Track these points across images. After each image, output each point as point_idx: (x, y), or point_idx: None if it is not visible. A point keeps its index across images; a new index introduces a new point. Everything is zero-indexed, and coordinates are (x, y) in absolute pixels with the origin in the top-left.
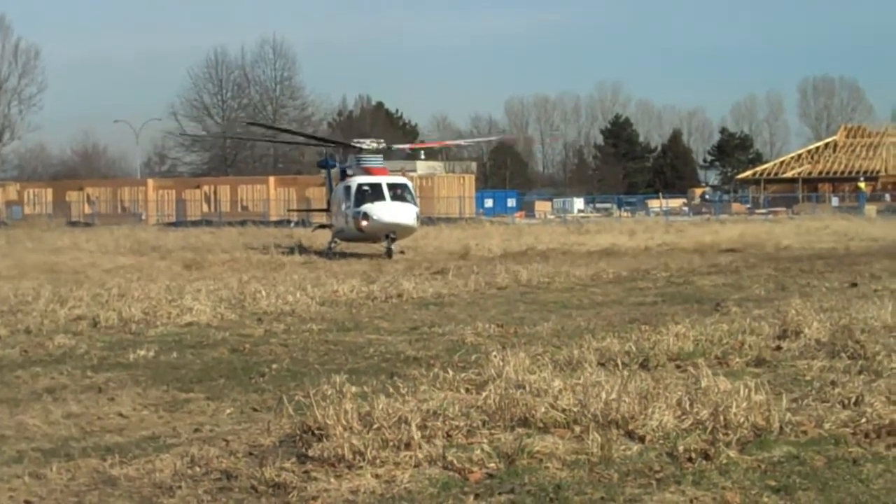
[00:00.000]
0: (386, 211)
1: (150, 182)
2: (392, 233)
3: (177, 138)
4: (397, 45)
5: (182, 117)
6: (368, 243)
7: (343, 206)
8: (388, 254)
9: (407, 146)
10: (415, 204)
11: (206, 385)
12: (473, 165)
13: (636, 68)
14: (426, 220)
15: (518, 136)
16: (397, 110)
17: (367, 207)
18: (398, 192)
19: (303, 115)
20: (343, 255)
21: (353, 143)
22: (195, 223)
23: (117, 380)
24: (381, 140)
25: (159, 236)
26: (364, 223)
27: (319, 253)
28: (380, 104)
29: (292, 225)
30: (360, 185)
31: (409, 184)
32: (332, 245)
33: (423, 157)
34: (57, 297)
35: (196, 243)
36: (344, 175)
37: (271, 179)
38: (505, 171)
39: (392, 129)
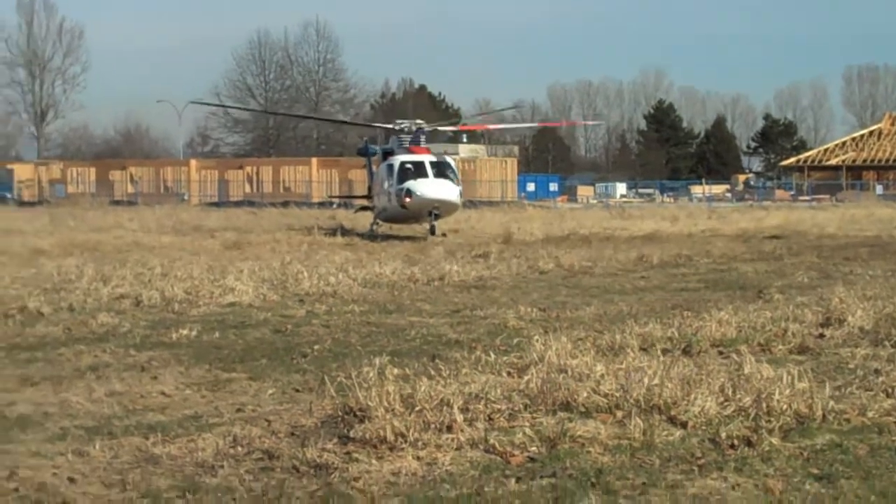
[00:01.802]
0: (429, 188)
1: (193, 162)
2: (435, 209)
3: (219, 119)
4: (441, 29)
5: (225, 98)
6: (411, 224)
7: (386, 185)
8: (432, 231)
9: (450, 127)
10: (457, 183)
11: (249, 365)
12: (516, 149)
13: (679, 54)
14: (468, 203)
15: (561, 119)
16: (440, 93)
17: (411, 184)
18: (441, 170)
19: (345, 97)
20: (385, 237)
21: (394, 126)
22: (237, 203)
23: (160, 359)
24: (422, 122)
25: (201, 216)
26: (407, 200)
27: (361, 235)
28: (422, 87)
29: (334, 206)
30: (402, 164)
31: (452, 163)
32: (374, 227)
33: (465, 140)
34: (100, 276)
35: (238, 224)
36: (386, 156)
37: (314, 161)
38: (547, 156)
39: (435, 112)
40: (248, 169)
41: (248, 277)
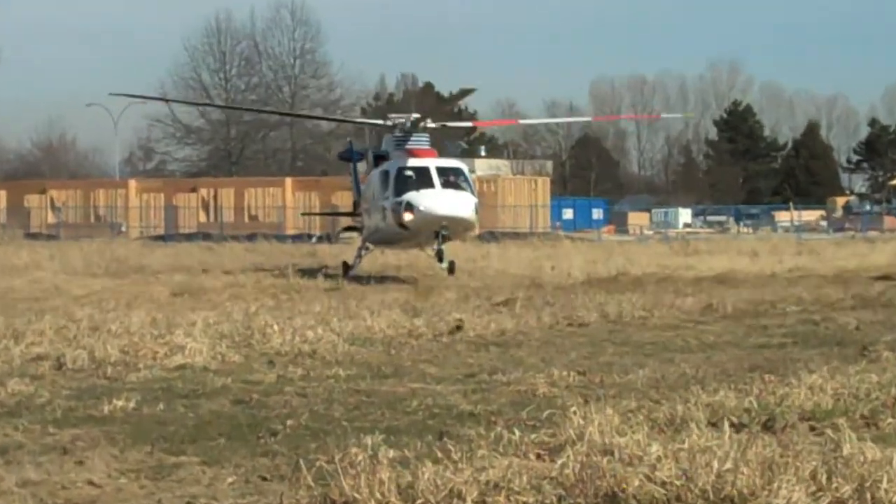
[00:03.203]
0: (436, 200)
1: (133, 183)
2: (444, 229)
3: (167, 128)
4: (451, 10)
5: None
6: (410, 248)
7: (379, 198)
8: (439, 257)
9: (463, 123)
10: (472, 193)
11: (202, 446)
12: (549, 165)
13: (760, 42)
14: (487, 235)
15: (606, 126)
16: (451, 93)
17: (412, 196)
18: (451, 179)
19: (329, 99)
20: (380, 279)
21: (388, 122)
22: (189, 237)
23: (88, 438)
24: (427, 117)
25: (143, 253)
26: (408, 216)
27: (348, 270)
28: (428, 85)
29: (314, 240)
30: (401, 170)
31: (465, 168)
32: (363, 252)
33: (483, 153)
34: (11, 331)
35: (191, 263)
36: (378, 161)
37: (288, 182)
38: (589, 173)
39: (444, 117)
40: (204, 192)
41: (203, 332)
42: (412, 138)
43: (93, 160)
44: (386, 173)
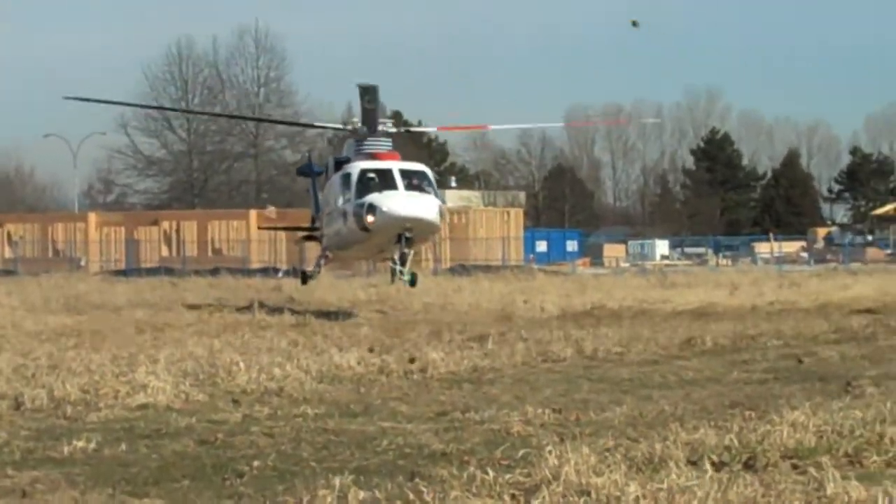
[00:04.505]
0: (399, 202)
1: (92, 217)
2: (407, 231)
3: (127, 159)
4: (421, 38)
5: (134, 130)
6: (371, 257)
7: (340, 201)
8: (402, 261)
9: (430, 129)
10: (436, 195)
11: (166, 488)
12: (522, 196)
13: (738, 69)
14: (459, 268)
15: (581, 156)
16: (420, 122)
17: (375, 198)
18: (414, 182)
19: (294, 129)
20: (348, 314)
21: (349, 126)
22: (151, 271)
23: (47, 480)
24: (390, 120)
25: (104, 288)
26: (370, 219)
27: (306, 283)
28: (397, 115)
29: (280, 275)
30: (363, 172)
31: (429, 171)
32: (321, 261)
33: (453, 184)
34: None
35: (153, 298)
36: (340, 166)
37: (252, 214)
38: (563, 204)
39: (413, 146)
40: (166, 225)
41: (166, 370)
42: (374, 141)
43: (51, 193)
44: (347, 176)
